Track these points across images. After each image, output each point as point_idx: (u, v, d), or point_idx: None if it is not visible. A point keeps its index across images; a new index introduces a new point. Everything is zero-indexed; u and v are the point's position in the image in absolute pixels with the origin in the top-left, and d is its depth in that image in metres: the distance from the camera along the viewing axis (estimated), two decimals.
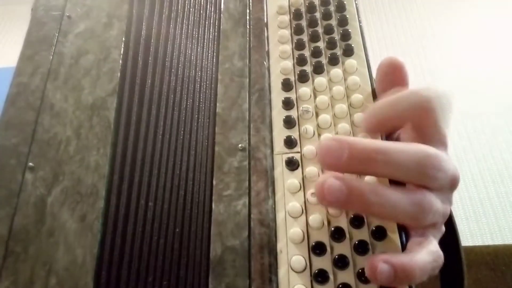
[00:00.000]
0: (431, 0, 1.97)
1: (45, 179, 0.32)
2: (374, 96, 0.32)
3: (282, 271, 0.27)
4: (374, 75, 0.34)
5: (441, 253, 0.26)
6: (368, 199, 0.24)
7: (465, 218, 1.36)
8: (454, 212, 0.31)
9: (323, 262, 0.27)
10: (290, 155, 0.31)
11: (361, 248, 0.27)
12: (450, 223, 0.34)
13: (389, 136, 0.30)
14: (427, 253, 0.25)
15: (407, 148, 0.25)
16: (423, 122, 0.27)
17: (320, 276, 0.27)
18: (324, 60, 0.34)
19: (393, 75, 0.30)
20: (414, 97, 0.27)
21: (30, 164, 0.32)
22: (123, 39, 0.37)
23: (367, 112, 0.29)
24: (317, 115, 0.32)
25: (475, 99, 1.61)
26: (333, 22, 0.36)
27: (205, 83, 0.35)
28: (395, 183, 0.27)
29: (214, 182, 0.30)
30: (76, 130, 0.34)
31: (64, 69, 0.37)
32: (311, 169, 0.30)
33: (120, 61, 0.36)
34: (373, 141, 0.26)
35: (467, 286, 0.38)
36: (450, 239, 0.31)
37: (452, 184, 0.27)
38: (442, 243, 0.28)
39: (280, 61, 0.35)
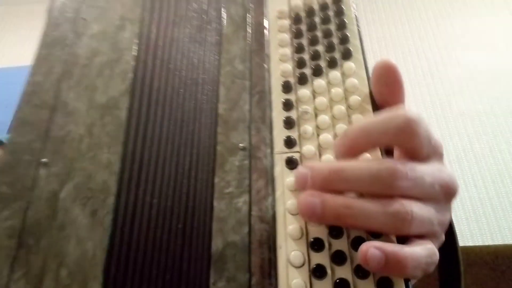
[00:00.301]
0: (431, 0, 1.96)
1: (58, 175, 0.33)
2: (372, 97, 0.33)
3: (281, 266, 0.28)
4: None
5: (436, 252, 0.27)
6: (341, 212, 0.26)
7: (465, 218, 1.35)
8: (454, 212, 0.32)
9: (321, 258, 0.28)
10: (290, 154, 0.32)
11: (359, 244, 0.28)
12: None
13: None
14: (421, 248, 0.26)
15: (367, 165, 0.27)
16: (408, 145, 0.27)
17: (318, 271, 0.27)
18: (323, 63, 0.35)
19: (386, 77, 0.31)
20: (393, 123, 0.27)
21: (44, 160, 0.34)
22: (136, 41, 0.38)
23: (341, 138, 0.29)
24: (316, 116, 0.33)
25: (475, 99, 1.60)
26: (332, 26, 0.37)
27: (207, 85, 0.36)
28: None
29: (215, 180, 0.31)
30: (89, 128, 0.35)
31: (78, 69, 0.38)
32: None
33: (132, 63, 0.37)
34: (329, 164, 0.28)
35: (467, 286, 0.38)
36: (448, 240, 0.32)
37: (446, 193, 0.28)
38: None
39: (280, 64, 0.36)
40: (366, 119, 0.29)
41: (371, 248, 0.25)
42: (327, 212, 0.26)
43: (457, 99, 1.63)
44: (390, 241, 0.27)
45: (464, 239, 1.31)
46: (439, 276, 0.37)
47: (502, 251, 0.71)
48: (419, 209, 0.26)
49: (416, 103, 1.62)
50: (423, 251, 0.26)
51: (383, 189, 0.26)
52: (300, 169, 0.28)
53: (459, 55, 1.76)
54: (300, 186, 0.28)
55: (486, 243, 1.29)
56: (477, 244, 1.29)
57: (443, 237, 0.29)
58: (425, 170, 0.27)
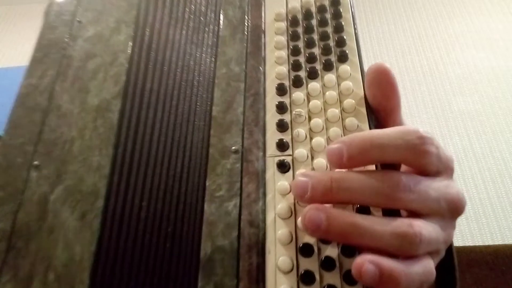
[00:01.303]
0: (431, 0, 1.92)
1: (49, 177, 0.32)
2: (366, 100, 0.31)
3: (270, 271, 0.26)
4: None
5: (433, 271, 0.25)
6: (347, 231, 0.24)
7: (465, 218, 1.32)
8: None
9: (310, 264, 0.26)
10: (282, 157, 0.30)
11: (349, 250, 0.26)
12: None
13: None
14: (419, 266, 0.24)
15: (370, 175, 0.24)
16: (418, 163, 0.25)
17: (307, 277, 0.26)
18: (318, 66, 0.33)
19: (379, 80, 0.29)
20: (406, 139, 0.25)
21: (35, 162, 0.32)
22: (130, 43, 0.37)
23: (341, 146, 0.25)
24: (309, 119, 0.31)
25: (475, 99, 1.57)
26: (329, 29, 0.35)
27: (202, 87, 0.34)
28: (388, 211, 0.25)
29: (207, 183, 0.30)
30: (81, 131, 0.33)
31: (72, 71, 0.37)
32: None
33: (126, 65, 0.36)
34: (330, 173, 0.26)
35: (467, 286, 0.36)
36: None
37: (452, 209, 0.26)
38: None
39: (276, 66, 0.34)
40: (374, 131, 0.27)
41: (366, 263, 0.23)
42: (332, 229, 0.24)
43: (457, 99, 1.59)
44: None
45: (464, 239, 1.27)
46: (435, 282, 0.35)
47: (502, 251, 0.68)
48: (427, 230, 0.24)
49: (416, 103, 1.59)
50: (420, 269, 0.24)
51: (385, 201, 0.24)
52: (300, 176, 0.26)
53: (459, 54, 1.72)
54: (299, 195, 0.26)
55: (486, 243, 1.25)
56: (477, 244, 1.25)
57: (443, 253, 0.27)
58: (431, 185, 0.25)
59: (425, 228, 0.24)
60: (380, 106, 0.30)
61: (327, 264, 0.26)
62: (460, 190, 0.26)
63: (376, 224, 0.24)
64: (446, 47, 1.75)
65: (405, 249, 0.23)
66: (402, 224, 0.24)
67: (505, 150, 1.44)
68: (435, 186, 0.25)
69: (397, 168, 0.28)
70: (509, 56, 1.68)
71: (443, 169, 0.26)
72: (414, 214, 0.25)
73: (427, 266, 0.25)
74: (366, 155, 0.25)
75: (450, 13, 1.88)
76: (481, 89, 1.60)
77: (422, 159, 0.25)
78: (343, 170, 0.26)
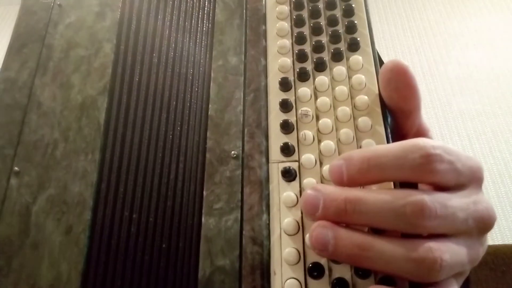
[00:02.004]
0: (431, 0, 1.86)
1: (30, 185, 0.28)
2: (381, 97, 0.27)
3: None
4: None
5: None
6: (356, 254, 0.21)
7: None
8: None
9: (321, 286, 0.23)
10: (287, 164, 0.26)
11: (362, 270, 0.23)
12: None
13: None
14: None
15: (390, 197, 0.21)
16: (428, 181, 0.22)
17: None
18: (326, 56, 0.29)
19: (397, 81, 0.25)
20: (409, 158, 0.21)
21: (16, 168, 0.29)
22: (116, 31, 0.32)
23: (342, 164, 0.23)
24: (317, 118, 0.27)
25: (475, 99, 1.54)
26: (338, 12, 0.31)
27: (196, 82, 0.30)
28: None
29: (204, 193, 0.26)
30: (64, 132, 0.30)
31: (53, 63, 0.32)
32: (310, 181, 0.26)
33: (112, 56, 0.32)
34: (346, 193, 0.22)
35: None
36: None
37: (482, 227, 0.22)
38: None
39: (279, 57, 0.30)
40: (375, 148, 0.23)
41: None
42: (339, 251, 0.21)
43: (457, 99, 1.56)
44: None
45: None
46: None
47: (502, 251, 0.66)
48: (450, 254, 0.21)
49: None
50: None
51: (406, 228, 0.21)
52: (310, 190, 0.23)
53: (459, 54, 1.67)
54: (309, 212, 0.22)
55: None
56: None
57: (468, 272, 0.24)
58: (458, 204, 0.21)
59: (447, 251, 0.21)
60: (398, 108, 0.26)
61: (340, 286, 0.23)
62: (489, 205, 0.23)
63: (390, 247, 0.20)
64: (446, 47, 1.70)
65: (423, 275, 0.20)
66: (420, 248, 0.20)
67: (505, 150, 1.41)
68: (462, 205, 0.22)
69: None
70: (509, 56, 1.64)
71: (467, 181, 0.23)
72: (437, 235, 0.22)
73: None
74: (365, 175, 0.22)
75: (450, 13, 1.82)
76: (481, 89, 1.56)
77: (430, 178, 0.21)
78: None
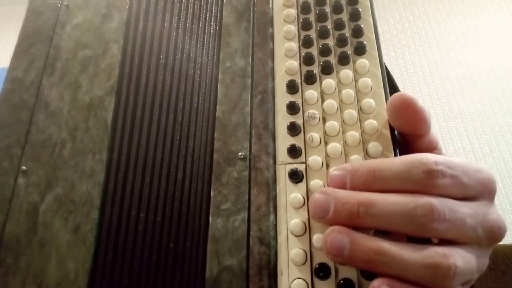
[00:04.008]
0: (431, 0, 1.87)
1: (38, 184, 0.29)
2: (387, 100, 0.28)
3: None
4: (387, 77, 0.29)
5: None
6: (372, 259, 0.21)
7: None
8: None
9: (327, 287, 0.24)
10: (294, 166, 0.27)
11: (369, 272, 0.24)
12: None
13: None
14: None
15: (401, 201, 0.22)
16: (432, 194, 0.22)
17: None
18: (333, 59, 0.30)
19: (406, 117, 0.25)
20: (412, 172, 0.22)
21: (23, 167, 0.29)
22: (123, 32, 0.33)
23: (345, 173, 0.23)
24: (324, 121, 0.28)
25: (475, 99, 1.55)
26: (344, 16, 0.31)
27: (204, 83, 0.31)
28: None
29: (211, 194, 0.27)
30: (72, 131, 0.30)
31: (60, 64, 0.33)
32: (316, 182, 0.26)
33: (119, 56, 0.32)
34: (358, 196, 0.22)
35: None
36: None
37: (491, 237, 0.23)
38: None
39: (286, 60, 0.30)
40: (379, 161, 0.24)
41: (383, 286, 0.20)
42: (356, 256, 0.21)
43: (457, 99, 1.57)
44: None
45: None
46: None
47: (502, 251, 0.67)
48: (463, 261, 0.21)
49: None
50: None
51: (417, 230, 0.21)
52: (319, 195, 0.23)
53: (459, 54, 1.68)
54: (319, 216, 0.23)
55: None
56: None
57: (474, 281, 0.25)
58: (467, 212, 0.22)
59: (460, 259, 0.21)
60: (409, 136, 0.26)
61: (346, 286, 0.23)
62: (500, 217, 0.23)
63: (406, 253, 0.21)
64: (446, 47, 1.71)
65: (437, 282, 0.21)
66: (435, 254, 0.21)
67: (505, 150, 1.42)
68: (472, 213, 0.22)
69: None
70: (509, 56, 1.65)
71: (477, 193, 0.23)
72: (448, 241, 0.22)
73: None
74: (370, 187, 0.23)
75: (450, 13, 1.83)
76: (481, 89, 1.57)
77: (433, 192, 0.22)
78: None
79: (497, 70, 1.62)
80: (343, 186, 0.23)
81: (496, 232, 0.23)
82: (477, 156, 1.43)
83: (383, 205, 0.21)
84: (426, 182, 0.21)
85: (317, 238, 0.25)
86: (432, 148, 0.27)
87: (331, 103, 0.28)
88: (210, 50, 0.32)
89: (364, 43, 0.30)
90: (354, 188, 0.23)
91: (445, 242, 0.22)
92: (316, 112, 0.28)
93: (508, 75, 1.60)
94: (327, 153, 0.27)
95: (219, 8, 0.33)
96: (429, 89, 1.61)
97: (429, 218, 0.21)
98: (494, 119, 1.50)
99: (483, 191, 0.23)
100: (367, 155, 0.26)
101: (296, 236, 0.25)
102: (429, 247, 0.21)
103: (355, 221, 0.22)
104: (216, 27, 0.33)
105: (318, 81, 0.29)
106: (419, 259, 0.21)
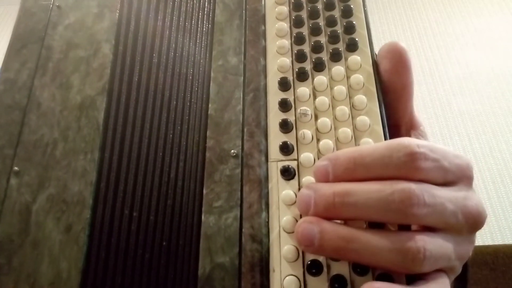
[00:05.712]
0: (431, 0, 1.89)
1: (30, 185, 0.29)
2: (379, 97, 0.28)
3: None
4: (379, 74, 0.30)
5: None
6: (341, 246, 0.21)
7: None
8: None
9: (319, 283, 0.24)
10: (286, 163, 0.27)
11: (360, 267, 0.24)
12: None
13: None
14: (432, 286, 0.22)
15: (378, 187, 0.22)
16: (414, 178, 0.22)
17: None
18: (325, 56, 0.30)
19: (393, 55, 0.27)
20: (393, 156, 0.22)
21: (15, 168, 0.30)
22: (115, 31, 0.33)
23: (327, 164, 0.23)
24: (316, 117, 0.28)
25: (475, 99, 1.56)
26: (336, 13, 0.32)
27: (196, 81, 0.31)
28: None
29: (204, 192, 0.27)
30: (64, 132, 0.30)
31: (52, 64, 0.33)
32: (308, 179, 0.26)
33: (111, 56, 0.32)
34: (334, 186, 0.23)
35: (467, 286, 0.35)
36: None
37: (470, 224, 0.23)
38: None
39: (278, 57, 0.31)
40: (361, 147, 0.24)
41: None
42: (325, 244, 0.22)
43: (457, 99, 1.58)
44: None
45: None
46: None
47: (502, 251, 0.67)
48: (434, 245, 0.21)
49: (416, 103, 1.57)
50: None
51: (396, 217, 0.21)
52: (304, 190, 0.23)
53: (459, 54, 1.69)
54: (303, 211, 0.23)
55: (486, 243, 1.23)
56: (477, 244, 1.25)
57: (459, 269, 0.25)
58: (447, 196, 0.22)
59: (431, 242, 0.21)
60: (390, 82, 0.27)
61: (338, 283, 0.24)
62: (480, 202, 0.24)
63: (374, 238, 0.21)
64: (446, 47, 1.72)
65: (407, 266, 0.21)
66: (403, 238, 0.21)
67: (505, 150, 1.43)
68: (452, 197, 0.22)
69: None
70: (509, 56, 1.66)
71: (456, 178, 0.24)
72: (428, 228, 0.22)
73: (441, 286, 0.22)
74: (352, 174, 0.23)
75: (450, 13, 1.84)
76: (481, 89, 1.58)
77: (415, 176, 0.22)
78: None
79: (497, 70, 1.63)
80: (326, 176, 0.23)
81: (476, 218, 0.23)
82: (477, 156, 1.43)
83: (359, 194, 0.22)
84: (409, 165, 0.22)
85: None
86: (415, 126, 0.28)
87: (323, 99, 0.29)
88: (202, 49, 0.32)
89: (356, 39, 0.30)
90: (336, 178, 0.23)
91: (425, 229, 0.22)
92: (308, 109, 0.28)
93: (508, 75, 1.61)
94: (319, 150, 0.27)
95: (211, 6, 0.34)
96: (429, 89, 1.62)
97: (408, 203, 0.21)
98: (494, 119, 1.50)
99: (461, 176, 0.24)
100: None
101: (288, 233, 0.25)
102: (401, 232, 0.22)
103: (333, 212, 0.22)
104: (208, 25, 0.33)
105: (310, 78, 0.30)
106: (388, 244, 0.21)
